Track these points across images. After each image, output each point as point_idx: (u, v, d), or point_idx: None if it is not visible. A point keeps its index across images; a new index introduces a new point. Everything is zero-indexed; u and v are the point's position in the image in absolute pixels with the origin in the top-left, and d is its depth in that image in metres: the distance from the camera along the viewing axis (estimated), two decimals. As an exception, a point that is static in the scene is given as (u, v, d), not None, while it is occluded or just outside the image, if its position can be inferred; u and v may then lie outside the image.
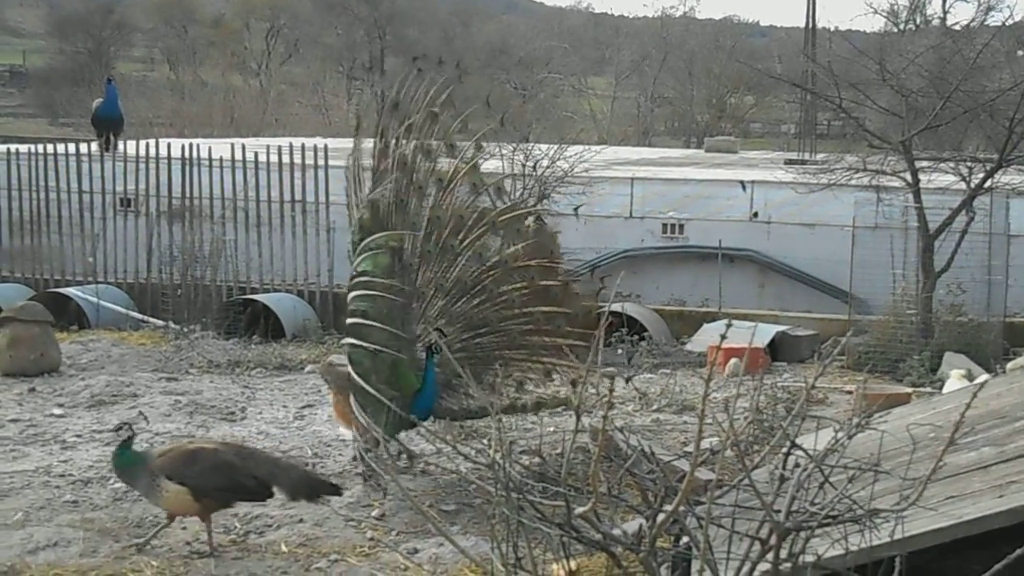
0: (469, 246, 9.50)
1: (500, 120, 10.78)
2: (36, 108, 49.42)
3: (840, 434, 4.27)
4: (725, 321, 4.64)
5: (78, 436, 10.34)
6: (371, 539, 8.03)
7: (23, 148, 18.38)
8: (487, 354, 9.54)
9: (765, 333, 14.15)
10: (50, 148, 17.90)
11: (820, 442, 4.57)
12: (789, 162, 22.07)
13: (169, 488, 7.46)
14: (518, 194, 16.15)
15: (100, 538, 7.91)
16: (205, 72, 44.29)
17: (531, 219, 15.87)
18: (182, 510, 7.67)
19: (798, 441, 4.22)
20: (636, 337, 14.82)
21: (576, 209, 16.39)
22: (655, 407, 11.71)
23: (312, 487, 7.94)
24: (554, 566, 5.19)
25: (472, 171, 9.76)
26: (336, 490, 8.08)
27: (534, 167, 16.31)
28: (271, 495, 7.79)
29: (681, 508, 3.91)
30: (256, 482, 7.67)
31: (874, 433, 5.05)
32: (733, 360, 12.78)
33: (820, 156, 20.68)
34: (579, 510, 3.90)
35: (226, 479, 7.59)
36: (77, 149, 17.93)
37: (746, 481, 4.07)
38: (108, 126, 20.51)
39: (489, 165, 16.11)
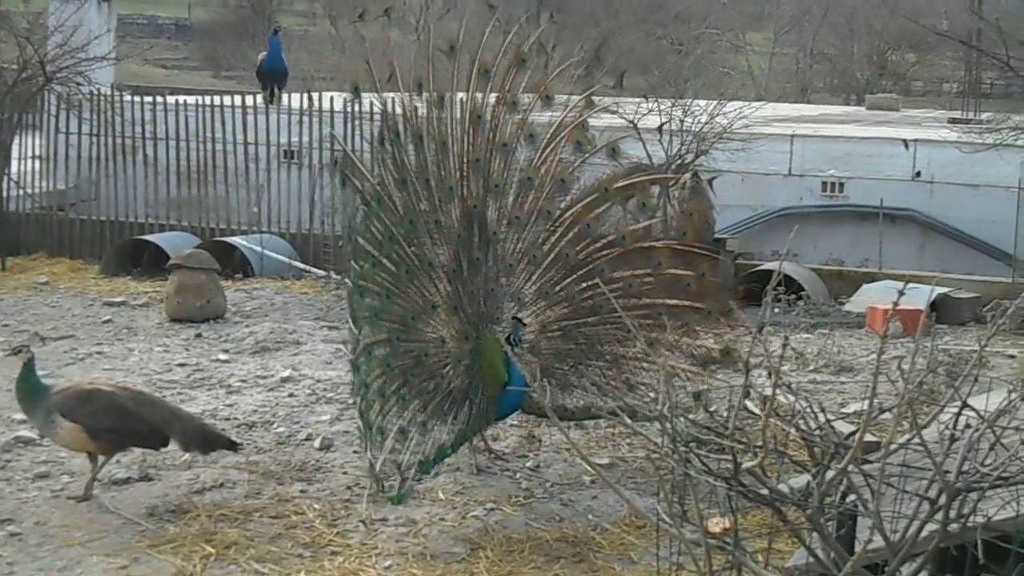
0: (573, 216, 8.21)
1: (620, 79, 10.01)
2: (200, 61, 50.37)
3: (1013, 395, 4.21)
4: (895, 282, 4.58)
5: (243, 381, 10.59)
6: (526, 489, 8.11)
7: (190, 100, 18.77)
8: (592, 347, 8.30)
9: (926, 295, 13.91)
10: (216, 100, 18.27)
11: (989, 405, 4.50)
12: (953, 121, 21.60)
13: (63, 425, 7.50)
14: (672, 152, 16.12)
15: (264, 480, 8.12)
16: (364, 27, 44.68)
17: (687, 177, 15.92)
18: (78, 447, 7.69)
19: (968, 402, 4.17)
20: (793, 296, 14.68)
21: (711, 180, 16.29)
22: (812, 367, 11.60)
23: (207, 440, 7.86)
24: (709, 522, 5.20)
25: (577, 129, 8.42)
26: (232, 445, 7.96)
27: (662, 122, 16.13)
28: (166, 443, 7.75)
29: (850, 466, 3.90)
30: (149, 428, 7.65)
31: (1045, 396, 4.95)
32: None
33: (985, 115, 20.17)
34: (747, 464, 3.91)
35: (118, 422, 7.59)
36: (243, 101, 18.28)
37: (915, 441, 4.04)
38: (272, 79, 20.83)
39: (648, 121, 16.21)
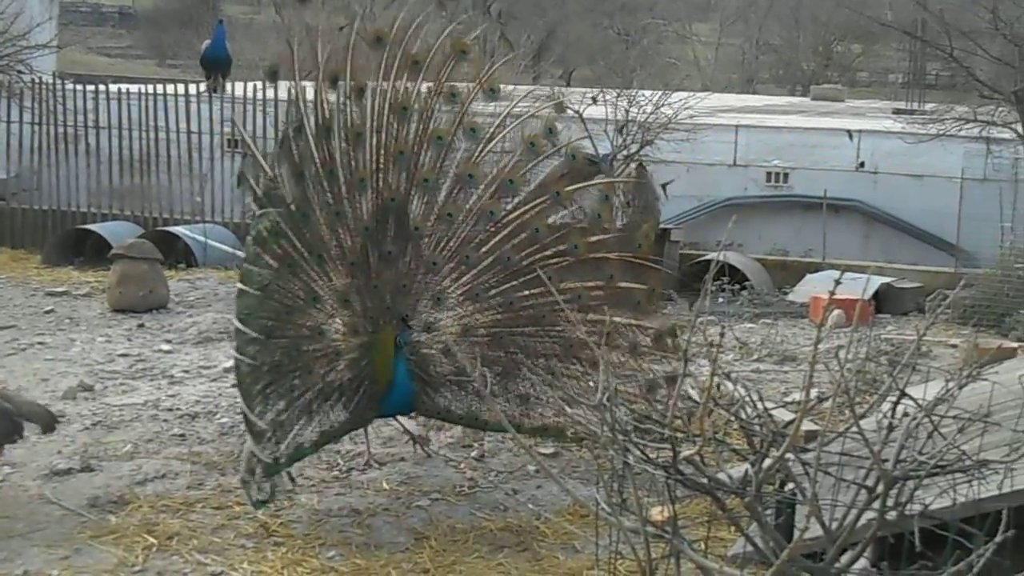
0: (519, 219, 7.76)
1: (568, 75, 9.39)
2: (144, 49, 49.95)
3: (951, 383, 4.24)
4: (839, 272, 4.58)
5: (185, 372, 10.54)
6: (470, 479, 8.11)
7: (133, 88, 18.61)
8: (528, 358, 7.83)
9: (870, 284, 14.01)
10: (160, 89, 18.12)
11: (928, 394, 4.54)
12: (897, 111, 21.73)
13: None
14: (617, 142, 16.11)
15: (207, 471, 8.08)
16: (310, 15, 44.43)
17: (633, 167, 15.92)
18: None
19: (907, 391, 4.20)
20: (737, 286, 14.75)
21: (664, 185, 16.31)
22: (755, 357, 11.67)
23: (54, 418, 7.80)
24: (654, 510, 5.22)
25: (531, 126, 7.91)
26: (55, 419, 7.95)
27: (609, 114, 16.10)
28: (22, 435, 7.55)
29: (788, 455, 3.92)
30: (21, 423, 7.44)
31: (983, 385, 5.00)
32: (836, 311, 12.64)
33: (929, 106, 20.33)
34: (685, 453, 3.92)
35: (10, 424, 7.35)
36: (186, 90, 18.14)
37: (853, 429, 4.06)
38: (216, 67, 20.67)
39: (592, 113, 16.19)
